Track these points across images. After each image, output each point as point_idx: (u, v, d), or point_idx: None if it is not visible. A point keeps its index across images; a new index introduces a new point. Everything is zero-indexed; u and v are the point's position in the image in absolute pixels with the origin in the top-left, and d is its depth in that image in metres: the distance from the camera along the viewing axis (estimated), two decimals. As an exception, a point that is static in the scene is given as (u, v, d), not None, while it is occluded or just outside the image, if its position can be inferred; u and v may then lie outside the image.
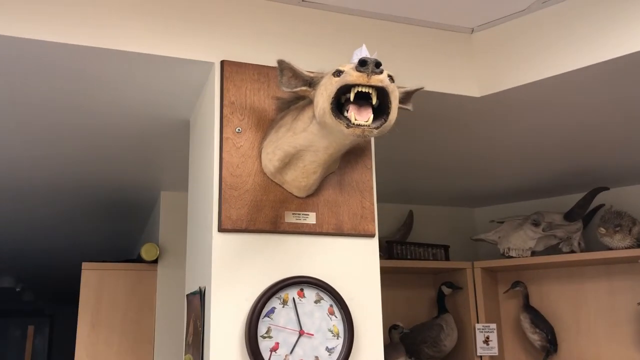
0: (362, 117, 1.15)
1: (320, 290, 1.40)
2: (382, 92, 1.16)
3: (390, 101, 1.18)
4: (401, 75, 1.64)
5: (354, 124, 1.14)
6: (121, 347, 2.45)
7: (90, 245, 3.67)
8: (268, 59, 1.49)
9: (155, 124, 1.89)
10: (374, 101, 1.15)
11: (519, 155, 2.33)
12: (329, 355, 1.37)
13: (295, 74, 1.31)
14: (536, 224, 2.65)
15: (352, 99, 1.14)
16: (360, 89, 1.13)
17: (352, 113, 1.15)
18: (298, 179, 1.40)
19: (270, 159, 1.40)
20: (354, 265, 1.47)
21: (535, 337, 2.67)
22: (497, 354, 2.64)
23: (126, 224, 3.17)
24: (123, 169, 2.38)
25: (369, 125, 1.15)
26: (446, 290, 2.76)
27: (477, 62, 1.72)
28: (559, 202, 2.94)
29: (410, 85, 1.61)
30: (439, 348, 2.67)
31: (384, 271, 2.80)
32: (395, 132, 1.96)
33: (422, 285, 2.95)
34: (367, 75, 1.12)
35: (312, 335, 1.37)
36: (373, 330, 1.45)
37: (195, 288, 1.50)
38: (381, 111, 1.19)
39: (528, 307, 2.72)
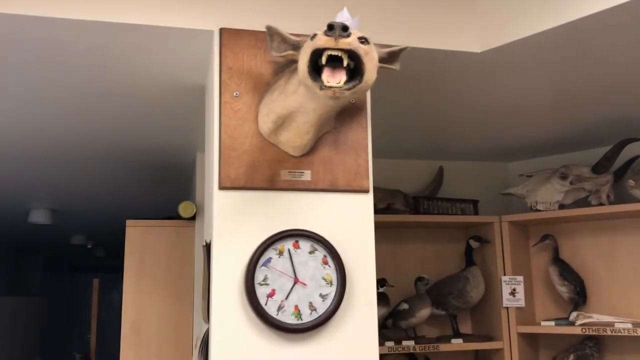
0: (334, 79, 1.22)
1: (315, 242, 1.51)
2: (354, 55, 1.22)
3: (363, 63, 1.24)
4: (411, 33, 1.68)
5: (326, 85, 1.22)
6: (164, 297, 2.67)
7: (140, 205, 3.94)
8: (265, 25, 1.57)
9: (180, 91, 2.01)
10: (345, 63, 1.21)
11: (550, 107, 2.30)
12: (323, 301, 1.48)
13: (284, 39, 1.38)
14: (564, 177, 2.63)
15: (323, 62, 1.21)
16: (330, 52, 1.20)
17: (325, 75, 1.22)
18: (292, 139, 1.49)
19: (265, 120, 1.50)
20: (348, 219, 1.56)
21: (563, 289, 2.68)
22: (523, 306, 2.68)
23: (168, 184, 3.39)
24: (161, 133, 2.55)
25: (340, 87, 1.22)
26: (474, 243, 2.80)
27: (484, 14, 1.73)
28: (596, 155, 2.88)
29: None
30: (465, 299, 2.73)
31: (409, 226, 2.88)
32: (415, 89, 2.02)
33: (452, 240, 3.00)
34: (335, 39, 1.18)
35: (306, 283, 1.48)
36: (366, 279, 1.54)
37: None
38: (357, 72, 1.25)
39: (557, 260, 2.73)
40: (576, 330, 2.52)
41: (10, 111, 2.19)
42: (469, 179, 3.16)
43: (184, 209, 2.73)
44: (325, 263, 1.51)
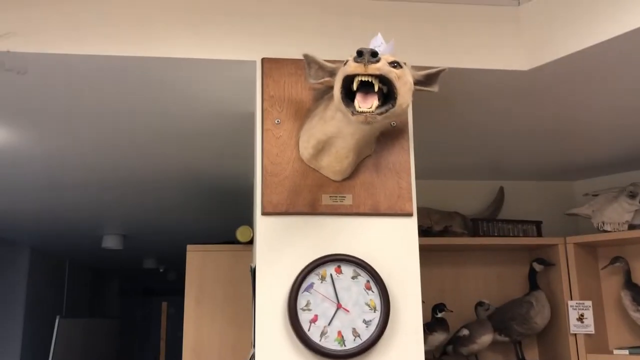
0: (366, 104, 1.22)
1: (357, 267, 1.50)
2: (385, 79, 1.22)
3: (395, 87, 1.23)
4: (454, 54, 1.66)
5: (357, 111, 1.22)
6: (223, 320, 2.71)
7: (203, 229, 4.06)
8: (302, 53, 1.60)
9: (234, 119, 2.06)
10: (376, 88, 1.21)
11: (613, 123, 2.20)
12: (366, 327, 1.47)
13: (321, 66, 1.40)
14: (632, 195, 2.49)
15: (355, 88, 1.22)
16: (361, 78, 1.21)
17: (357, 101, 1.23)
18: (332, 164, 1.50)
19: (306, 146, 1.51)
20: (391, 243, 1.54)
21: (637, 315, 2.51)
22: (592, 332, 2.53)
23: (228, 209, 3.47)
24: (219, 160, 2.64)
25: (372, 112, 1.22)
26: (537, 266, 2.69)
27: (528, 31, 1.69)
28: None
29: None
30: (529, 325, 2.61)
31: (469, 249, 2.80)
32: (466, 110, 1.99)
33: (515, 263, 2.88)
34: (364, 65, 1.19)
35: (349, 308, 1.47)
36: (411, 304, 1.51)
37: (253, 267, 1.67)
38: (390, 97, 1.25)
39: (630, 284, 2.57)
40: (652, 360, 2.35)
41: (86, 141, 2.32)
42: (531, 199, 3.05)
43: (242, 234, 2.78)
44: (369, 288, 1.49)
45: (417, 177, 1.62)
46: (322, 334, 1.45)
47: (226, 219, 3.69)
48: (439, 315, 2.60)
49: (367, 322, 1.47)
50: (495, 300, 2.74)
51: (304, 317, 1.45)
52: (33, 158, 2.55)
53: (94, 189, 3.12)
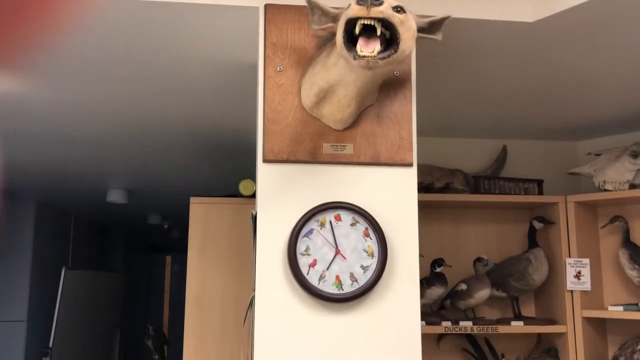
0: (368, 48, 1.22)
1: (356, 215, 1.52)
2: (388, 24, 1.21)
3: (398, 32, 1.23)
4: (458, 3, 1.65)
5: (359, 55, 1.22)
6: (225, 271, 2.76)
7: (207, 185, 4.09)
8: None
9: (238, 69, 2.05)
10: (378, 32, 1.21)
11: (620, 81, 2.19)
12: (364, 272, 1.50)
13: (324, 12, 1.39)
14: (635, 155, 2.49)
15: (357, 32, 1.22)
16: (364, 22, 1.20)
17: (359, 45, 1.23)
18: (334, 113, 1.51)
19: (307, 94, 1.52)
20: (391, 192, 1.56)
21: (633, 274, 2.55)
22: (589, 289, 2.57)
23: (232, 163, 3.49)
24: (222, 113, 2.63)
25: (374, 56, 1.22)
26: (537, 224, 2.71)
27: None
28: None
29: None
30: (527, 282, 2.65)
31: (470, 206, 2.82)
32: (469, 64, 1.97)
33: (515, 221, 2.91)
34: (367, 8, 1.18)
35: (348, 254, 1.50)
36: (408, 252, 1.54)
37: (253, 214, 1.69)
38: (392, 42, 1.24)
39: (628, 243, 2.59)
40: (646, 316, 2.39)
41: (91, 93, 2.33)
42: (534, 159, 3.05)
43: (244, 187, 2.80)
44: (367, 235, 1.52)
45: (420, 135, 1.63)
46: (321, 278, 1.48)
47: (229, 174, 3.71)
48: (438, 270, 2.64)
49: (364, 268, 1.50)
50: (494, 258, 2.77)
51: (303, 262, 1.48)
52: (38, 109, 2.55)
53: (98, 142, 3.14)
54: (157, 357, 3.96)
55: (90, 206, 5.57)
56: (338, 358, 1.48)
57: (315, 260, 1.49)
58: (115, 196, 4.46)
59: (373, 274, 1.50)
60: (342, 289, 1.48)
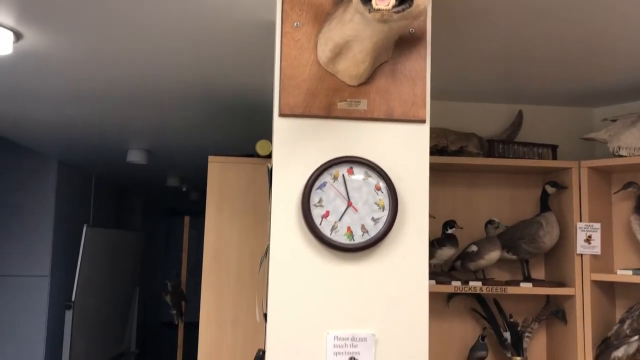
0: (383, 2, 1.24)
1: (368, 169, 1.56)
2: (405, -23, 1.23)
3: (413, -14, 1.25)
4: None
5: (374, 8, 1.25)
6: (242, 228, 2.84)
7: (225, 146, 4.16)
8: (326, -44, 1.60)
9: (250, 29, 2.09)
10: (394, -14, 1.23)
11: (638, 47, 2.18)
12: (374, 224, 1.55)
13: (341, -33, 1.42)
14: (651, 120, 2.49)
15: (373, -15, 1.24)
16: (380, -24, 1.22)
17: (374, -1, 1.25)
18: (349, 69, 1.54)
19: (323, 49, 1.55)
20: (403, 148, 1.59)
21: (644, 239, 2.57)
22: (598, 254, 2.60)
23: (250, 123, 3.55)
24: (241, 72, 2.67)
25: (388, 10, 1.24)
26: (550, 189, 2.73)
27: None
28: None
29: None
30: (537, 245, 2.69)
31: (484, 170, 2.85)
32: (483, 25, 1.98)
33: (528, 186, 2.93)
34: (383, -38, 1.20)
35: (359, 207, 1.55)
36: (419, 206, 1.59)
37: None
38: (410, -4, 1.27)
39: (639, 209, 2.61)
40: (655, 281, 2.43)
41: (111, 49, 2.37)
42: (550, 125, 3.05)
43: (261, 147, 2.86)
44: (378, 189, 1.56)
45: (436, 98, 1.66)
46: (333, 228, 1.54)
47: (246, 136, 3.77)
48: (449, 231, 2.69)
49: (375, 220, 1.55)
50: (506, 222, 2.81)
51: (316, 213, 1.54)
52: (58, 66, 2.61)
53: (117, 100, 3.20)
54: (174, 312, 4.09)
55: (110, 167, 5.69)
56: (348, 305, 1.54)
57: (327, 212, 1.54)
58: (135, 157, 4.55)
59: (383, 226, 1.55)
60: (353, 240, 1.54)
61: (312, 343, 1.53)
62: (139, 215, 8.59)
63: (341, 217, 1.54)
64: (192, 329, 3.04)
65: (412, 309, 1.56)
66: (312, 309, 1.54)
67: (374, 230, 1.54)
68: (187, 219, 4.65)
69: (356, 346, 1.52)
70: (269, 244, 1.59)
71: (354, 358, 1.52)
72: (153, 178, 6.47)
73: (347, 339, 1.51)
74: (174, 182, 6.48)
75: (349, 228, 1.54)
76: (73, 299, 4.41)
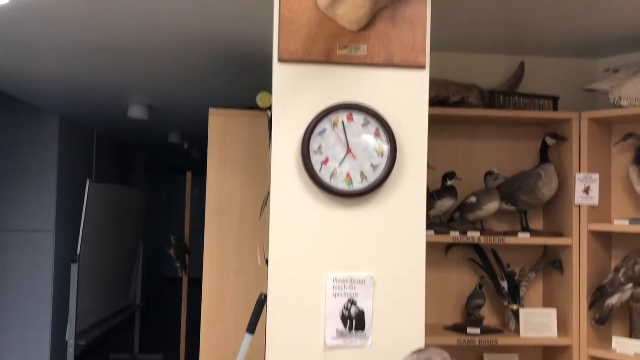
0: (382, -57, 1.23)
1: (368, 116, 1.57)
2: None
3: None
4: None
5: (374, -50, 1.24)
6: (244, 179, 2.86)
7: (226, 100, 4.15)
8: None
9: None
10: None
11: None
12: (374, 171, 1.57)
13: None
14: (653, 71, 2.47)
15: None
16: None
17: (373, -60, 1.24)
18: (349, 13, 1.53)
19: (323, -6, 1.54)
20: (403, 95, 1.60)
21: (642, 190, 2.59)
22: (596, 204, 2.63)
23: (252, 76, 3.53)
24: (243, 23, 2.64)
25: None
26: (550, 140, 2.74)
27: None
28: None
29: None
30: (536, 196, 2.72)
31: (484, 122, 2.85)
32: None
33: (529, 138, 2.93)
34: None
35: (358, 154, 1.57)
36: (417, 153, 1.60)
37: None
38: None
39: (639, 160, 2.62)
40: (651, 230, 2.46)
41: (110, 0, 2.35)
42: (553, 76, 3.03)
43: (262, 100, 2.85)
44: (378, 136, 1.58)
45: (437, 50, 1.65)
46: (332, 175, 1.56)
47: (247, 90, 3.75)
48: (449, 183, 2.71)
49: (374, 167, 1.57)
50: (506, 174, 2.82)
51: (316, 159, 1.56)
52: (56, 18, 2.59)
53: (117, 54, 3.18)
54: (178, 264, 4.17)
55: (112, 123, 5.69)
56: (347, 249, 1.58)
57: (327, 158, 1.56)
58: (137, 112, 4.55)
59: (382, 172, 1.57)
60: (353, 186, 1.56)
61: (313, 285, 1.57)
62: (142, 172, 8.63)
63: (341, 163, 1.56)
64: (196, 284, 3.11)
65: (409, 253, 1.60)
66: (312, 253, 1.57)
67: (373, 177, 1.57)
68: (189, 174, 4.68)
69: (355, 288, 1.56)
70: (269, 191, 1.62)
71: (353, 300, 1.56)
72: (155, 135, 6.48)
73: (346, 281, 1.55)
74: (176, 139, 6.49)
75: (348, 174, 1.56)
76: (78, 252, 4.48)
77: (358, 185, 1.56)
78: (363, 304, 1.56)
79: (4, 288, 5.10)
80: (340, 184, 1.56)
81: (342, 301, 1.56)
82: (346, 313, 1.55)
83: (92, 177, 6.06)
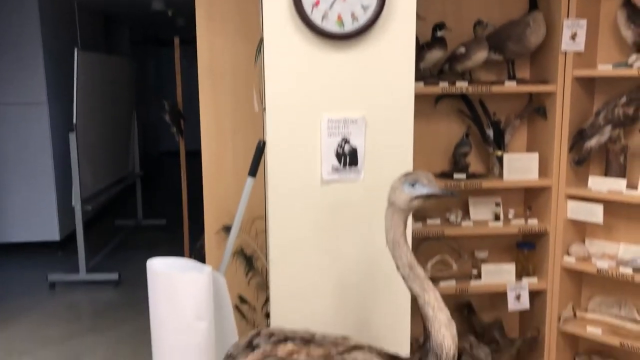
0: None
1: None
2: None
3: None
4: None
5: None
6: (235, 37, 2.84)
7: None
8: None
9: None
10: None
11: None
12: (364, 12, 1.61)
13: None
14: None
15: None
16: None
17: None
18: None
19: None
20: None
21: (628, 34, 2.62)
22: (582, 50, 2.68)
23: None
24: None
25: None
26: (540, -13, 2.72)
27: None
28: None
29: None
30: (524, 44, 2.75)
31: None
32: None
33: (519, -15, 2.90)
34: None
35: (349, -6, 1.59)
36: (407, -8, 1.63)
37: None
38: None
39: (628, 3, 2.62)
40: (633, 73, 2.53)
41: None
42: None
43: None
44: (367, -20, 1.59)
45: None
46: (324, 16, 1.60)
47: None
48: (439, 34, 2.73)
49: (364, 7, 1.60)
50: (495, 23, 2.82)
51: (307, 1, 1.58)
52: None
53: None
54: (174, 129, 4.26)
55: (92, -10, 5.49)
56: (340, 90, 1.66)
57: (318, 0, 1.59)
58: (117, -25, 4.38)
59: (373, 13, 1.60)
60: (344, 27, 1.61)
61: (308, 127, 1.67)
62: (127, 45, 8.45)
63: (332, 5, 1.59)
64: (193, 157, 3.18)
65: (399, 93, 1.68)
66: (306, 95, 1.65)
67: (363, 18, 1.60)
68: (176, 39, 4.63)
69: (348, 127, 1.66)
70: (262, 37, 1.66)
71: (346, 138, 1.67)
72: (137, 4, 6.27)
73: (339, 121, 1.65)
74: (159, 6, 6.29)
75: (339, 16, 1.60)
76: (74, 122, 4.55)
77: (349, 26, 1.60)
78: (356, 141, 1.67)
79: (4, 160, 5.22)
80: (332, 26, 1.60)
81: (337, 140, 1.66)
82: (340, 150, 1.67)
83: (78, 46, 5.97)
